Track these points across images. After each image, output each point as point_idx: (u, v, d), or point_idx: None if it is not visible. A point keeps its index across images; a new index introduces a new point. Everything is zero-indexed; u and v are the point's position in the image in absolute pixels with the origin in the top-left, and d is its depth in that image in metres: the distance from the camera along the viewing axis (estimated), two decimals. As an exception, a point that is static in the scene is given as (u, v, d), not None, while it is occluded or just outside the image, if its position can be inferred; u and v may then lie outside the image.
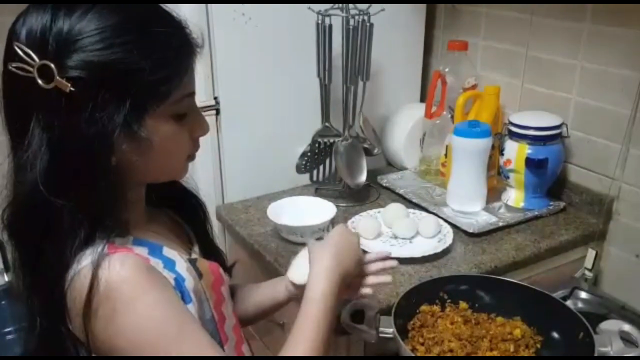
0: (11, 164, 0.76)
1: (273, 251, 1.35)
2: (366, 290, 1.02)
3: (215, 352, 0.76)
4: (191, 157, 0.86)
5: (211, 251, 1.01)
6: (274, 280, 1.10)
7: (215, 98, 1.49)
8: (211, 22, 1.42)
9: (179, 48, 0.77)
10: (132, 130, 0.73)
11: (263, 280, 1.24)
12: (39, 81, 0.69)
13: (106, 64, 0.70)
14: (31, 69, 0.69)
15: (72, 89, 0.69)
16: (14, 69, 0.69)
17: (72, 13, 0.70)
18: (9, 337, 2.08)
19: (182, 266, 0.83)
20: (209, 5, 1.41)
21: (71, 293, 0.73)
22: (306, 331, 0.84)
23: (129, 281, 0.73)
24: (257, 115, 1.55)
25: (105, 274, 0.71)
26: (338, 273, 0.91)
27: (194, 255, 0.92)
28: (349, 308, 1.07)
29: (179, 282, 0.81)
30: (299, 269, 1.00)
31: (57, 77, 0.69)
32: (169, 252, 0.83)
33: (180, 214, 0.99)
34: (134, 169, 0.78)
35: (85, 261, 0.73)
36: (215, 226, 1.44)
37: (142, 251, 0.79)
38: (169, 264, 0.81)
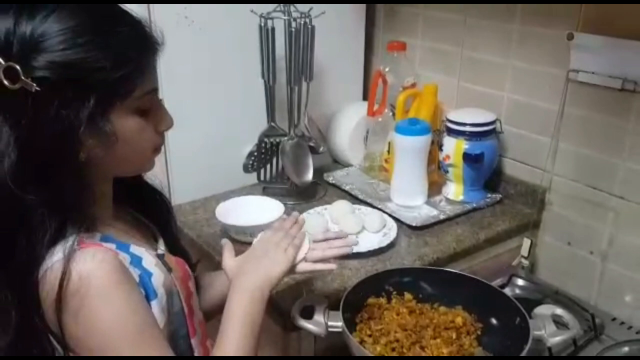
0: None
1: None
2: (330, 266, 1.05)
3: (170, 355, 0.81)
4: (157, 150, 0.88)
5: (176, 248, 1.02)
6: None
7: (160, 100, 1.49)
8: (154, 25, 1.41)
9: (139, 46, 0.80)
10: (98, 126, 0.75)
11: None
12: (5, 82, 0.71)
13: (69, 63, 0.72)
14: None
15: (37, 88, 0.71)
16: None
17: (35, 16, 0.72)
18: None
19: (149, 262, 0.85)
20: (151, 7, 1.40)
21: (43, 286, 0.75)
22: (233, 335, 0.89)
23: (98, 275, 0.75)
24: (203, 117, 1.55)
25: (76, 267, 0.74)
26: (257, 288, 0.93)
27: (160, 251, 0.93)
28: (298, 304, 1.10)
29: (143, 278, 0.83)
30: None
31: (23, 78, 0.71)
32: (136, 249, 0.85)
33: (145, 212, 1.00)
34: (102, 164, 0.80)
35: (56, 256, 0.75)
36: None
37: (110, 247, 0.81)
38: (136, 260, 0.83)
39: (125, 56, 0.76)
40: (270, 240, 1.01)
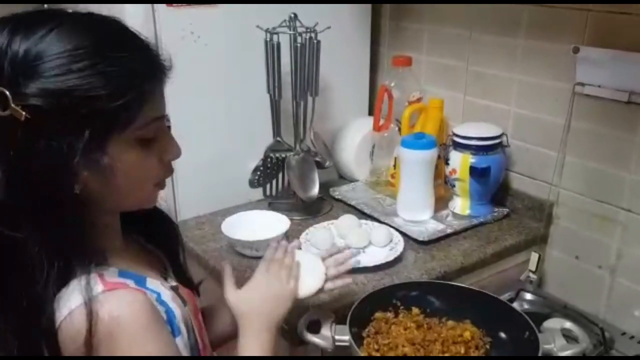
0: None
1: (228, 266, 1.36)
2: (348, 280, 1.09)
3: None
4: (160, 184, 0.83)
5: (183, 278, 0.97)
6: None
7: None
8: (159, 41, 1.42)
9: (143, 72, 0.74)
10: (94, 157, 0.70)
11: (219, 295, 1.24)
12: None
13: (63, 91, 0.67)
14: None
15: (27, 117, 0.66)
16: None
17: (30, 36, 0.67)
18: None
19: (167, 296, 0.82)
20: (157, 23, 1.41)
21: (68, 332, 0.70)
22: None
23: (129, 318, 0.71)
24: (209, 132, 1.56)
25: (105, 310, 0.70)
26: (267, 330, 0.92)
27: (172, 283, 0.90)
28: (305, 319, 1.10)
29: (169, 315, 0.80)
30: None
31: (12, 105, 0.65)
32: (152, 282, 0.82)
33: (152, 239, 0.95)
34: (101, 197, 0.75)
35: (74, 300, 0.70)
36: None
37: (130, 284, 0.76)
38: (158, 297, 0.80)
39: (125, 84, 0.71)
40: (269, 273, 0.98)
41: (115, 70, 0.70)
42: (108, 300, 0.71)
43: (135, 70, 0.73)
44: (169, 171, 0.83)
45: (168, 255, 0.96)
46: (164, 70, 0.77)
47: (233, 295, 0.96)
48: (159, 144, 0.79)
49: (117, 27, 0.75)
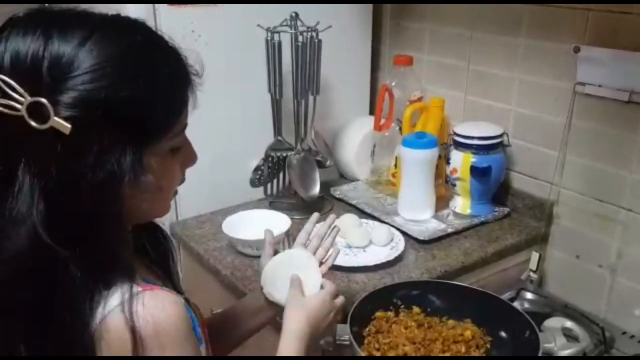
0: None
1: (229, 265, 1.36)
2: (336, 251, 1.10)
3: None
4: (176, 192, 0.80)
5: (175, 288, 0.91)
6: (249, 311, 1.08)
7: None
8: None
9: (179, 79, 0.71)
10: (139, 170, 0.66)
11: (220, 294, 1.24)
12: (31, 122, 0.60)
13: (108, 101, 0.62)
14: (19, 106, 0.59)
15: (72, 130, 0.60)
16: None
17: (68, 41, 0.62)
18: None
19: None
20: (158, 21, 1.42)
21: (107, 333, 0.66)
22: None
23: (174, 318, 0.69)
24: (210, 131, 1.55)
25: (148, 311, 0.66)
26: (308, 339, 0.92)
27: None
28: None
29: (193, 322, 0.76)
30: (276, 288, 1.02)
31: (54, 117, 0.59)
32: (170, 291, 0.77)
33: (147, 251, 0.89)
34: (131, 209, 0.70)
35: (111, 302, 0.66)
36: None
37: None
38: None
39: (167, 91, 0.69)
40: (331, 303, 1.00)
41: (158, 78, 0.68)
42: (144, 302, 0.67)
43: (175, 77, 0.71)
44: (184, 179, 0.80)
45: (162, 267, 0.91)
46: (197, 76, 0.74)
47: (297, 311, 0.95)
48: (182, 152, 0.76)
49: (151, 32, 0.71)
